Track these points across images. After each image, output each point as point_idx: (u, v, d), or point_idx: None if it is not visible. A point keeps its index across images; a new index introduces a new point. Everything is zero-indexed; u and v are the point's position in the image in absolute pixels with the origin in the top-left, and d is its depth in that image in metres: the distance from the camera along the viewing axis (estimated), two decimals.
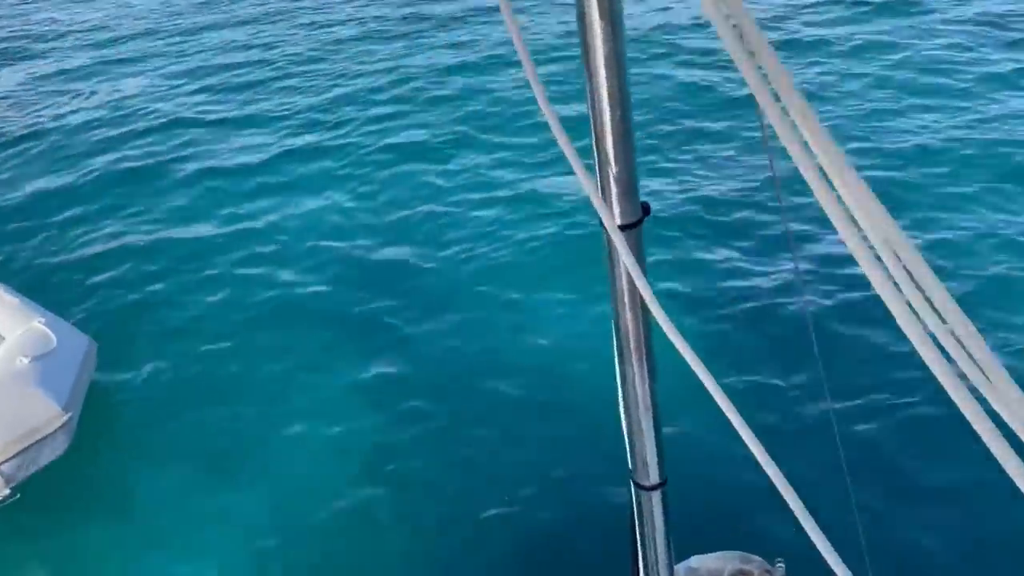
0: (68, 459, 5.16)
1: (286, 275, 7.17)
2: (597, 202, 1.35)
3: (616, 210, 1.38)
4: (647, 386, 1.60)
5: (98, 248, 7.75)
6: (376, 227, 7.74)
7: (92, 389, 5.65)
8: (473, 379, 5.87)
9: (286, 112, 10.11)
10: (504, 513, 4.91)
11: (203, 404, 5.82)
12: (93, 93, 11.16)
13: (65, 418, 5.09)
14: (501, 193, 8.02)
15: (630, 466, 1.71)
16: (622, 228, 1.39)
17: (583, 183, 1.32)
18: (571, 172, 1.29)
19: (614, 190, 1.37)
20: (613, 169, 1.35)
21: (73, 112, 10.59)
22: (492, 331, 6.29)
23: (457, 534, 4.81)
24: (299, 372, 6.06)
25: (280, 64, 11.52)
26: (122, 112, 10.49)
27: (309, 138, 9.42)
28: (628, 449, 1.69)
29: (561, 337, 6.17)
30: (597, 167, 1.37)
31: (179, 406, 5.81)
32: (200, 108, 10.40)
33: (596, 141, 1.35)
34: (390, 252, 7.38)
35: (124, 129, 10.03)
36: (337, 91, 10.50)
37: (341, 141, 9.30)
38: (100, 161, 9.32)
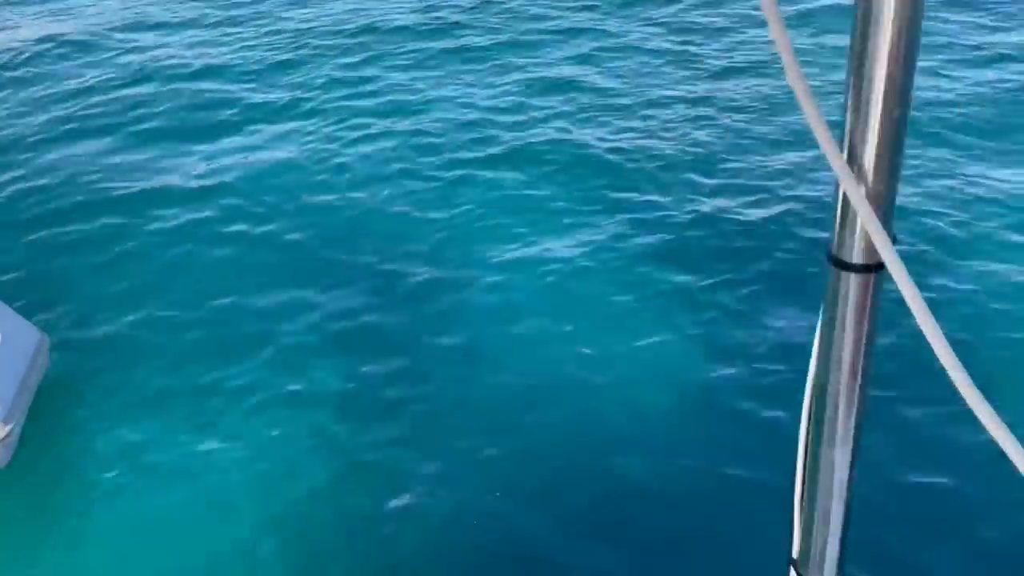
0: (8, 473, 4.65)
1: (253, 235, 6.93)
2: (872, 228, 1.00)
3: (862, 241, 1.05)
4: (848, 468, 1.25)
5: (46, 208, 7.36)
6: (346, 183, 7.52)
7: (42, 386, 5.09)
8: (446, 336, 5.74)
9: (252, 66, 9.81)
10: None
11: (167, 390, 5.42)
12: (39, 43, 10.75)
13: (5, 431, 4.51)
14: (478, 152, 7.85)
15: (794, 554, 1.38)
16: (876, 266, 1.06)
17: (856, 205, 1.00)
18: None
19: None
20: (871, 185, 1.02)
21: (14, 66, 10.15)
22: (469, 291, 6.16)
23: (438, 518, 4.63)
24: (273, 339, 5.78)
25: (243, 16, 11.20)
26: (72, 64, 10.09)
27: (274, 93, 9.15)
28: (798, 533, 1.36)
29: (536, 298, 6.07)
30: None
31: (139, 401, 5.34)
32: (159, 62, 10.05)
33: (851, 146, 1.02)
34: (362, 208, 7.18)
35: (75, 83, 9.64)
36: (302, 46, 10.21)
37: (308, 95, 9.05)
38: (49, 116, 8.92)
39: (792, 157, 7.64)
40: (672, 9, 10.98)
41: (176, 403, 5.33)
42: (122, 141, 8.41)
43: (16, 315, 5.20)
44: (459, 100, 8.85)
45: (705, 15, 10.78)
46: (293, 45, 10.40)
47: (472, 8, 11.21)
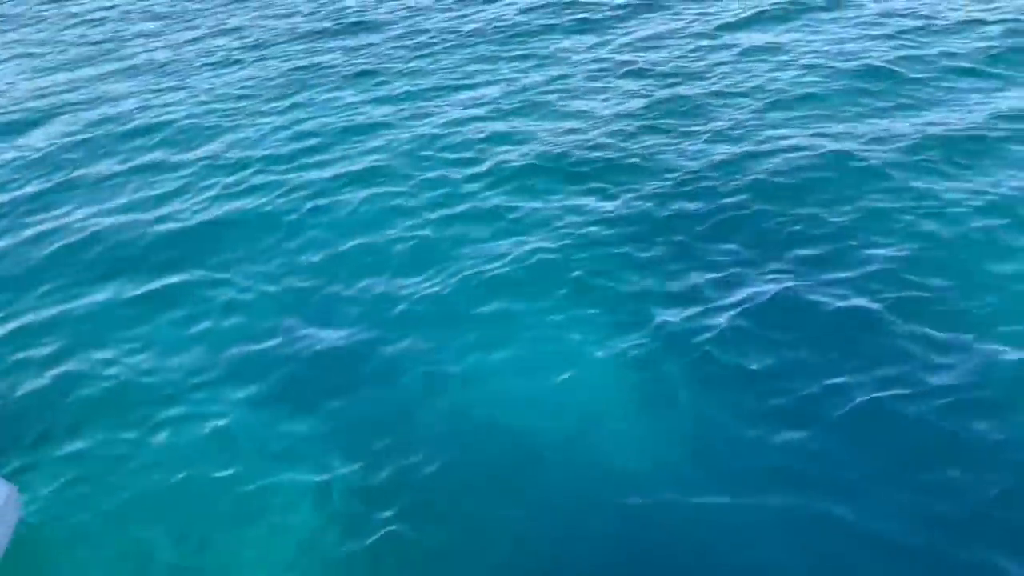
0: None
1: (216, 300, 6.77)
2: None
3: None
4: None
5: None
6: (307, 236, 7.44)
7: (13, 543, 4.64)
8: (438, 404, 5.57)
9: (186, 124, 9.74)
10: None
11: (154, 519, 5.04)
12: None
13: None
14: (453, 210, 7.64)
15: None
16: None
17: None
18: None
19: None
20: None
21: None
22: (454, 355, 5.95)
23: None
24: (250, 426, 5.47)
25: (169, 73, 11.19)
26: None
27: (213, 150, 9.12)
28: None
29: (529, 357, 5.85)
30: None
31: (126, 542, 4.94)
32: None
33: None
34: (329, 262, 7.07)
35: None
36: (244, 98, 10.25)
37: (251, 151, 9.02)
38: None
39: (735, 150, 7.93)
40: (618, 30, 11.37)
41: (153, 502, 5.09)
42: (64, 206, 8.24)
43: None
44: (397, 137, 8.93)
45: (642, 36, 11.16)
46: (234, 96, 10.43)
47: (393, 56, 11.41)
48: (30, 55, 13.36)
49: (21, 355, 6.50)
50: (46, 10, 15.04)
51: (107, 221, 8.19)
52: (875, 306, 5.82)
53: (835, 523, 4.45)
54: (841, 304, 5.88)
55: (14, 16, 14.99)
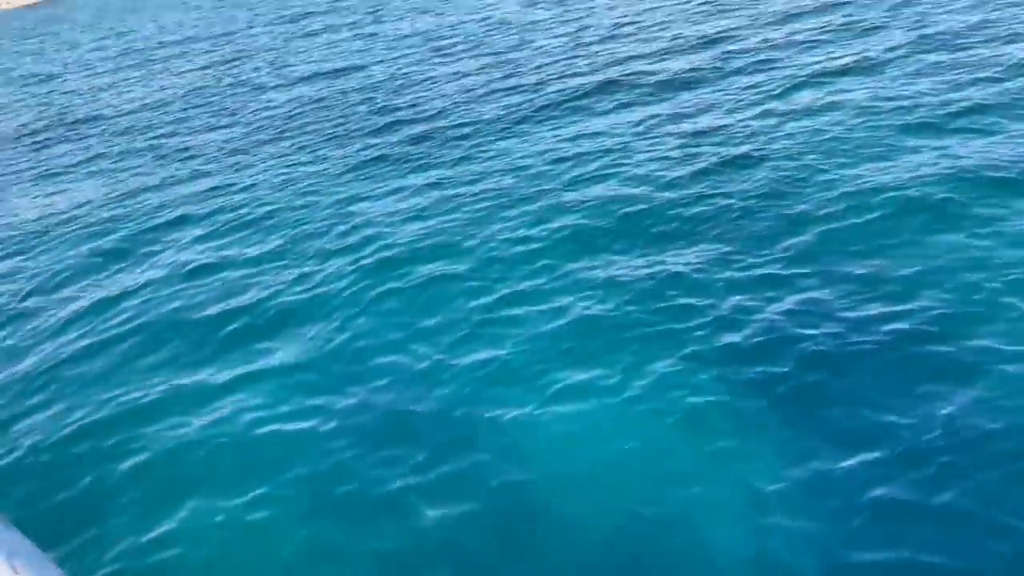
0: None
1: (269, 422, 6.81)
2: None
3: None
4: None
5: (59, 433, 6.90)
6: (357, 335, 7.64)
7: None
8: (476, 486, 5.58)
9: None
10: None
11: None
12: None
13: None
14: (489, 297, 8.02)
15: None
16: None
17: None
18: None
19: None
20: None
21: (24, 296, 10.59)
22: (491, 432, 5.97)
23: None
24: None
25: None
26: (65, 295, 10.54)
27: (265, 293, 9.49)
28: None
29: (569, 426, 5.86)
30: None
31: None
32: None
33: None
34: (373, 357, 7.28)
35: (67, 312, 10.01)
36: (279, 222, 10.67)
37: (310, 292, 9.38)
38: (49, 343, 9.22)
39: (794, 206, 7.95)
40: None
41: None
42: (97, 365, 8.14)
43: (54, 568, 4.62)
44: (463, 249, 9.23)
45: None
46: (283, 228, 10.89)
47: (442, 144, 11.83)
48: (110, 169, 14.20)
49: (97, 443, 6.68)
50: (120, 124, 16.06)
51: (181, 316, 8.49)
52: (950, 347, 5.69)
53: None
54: (916, 345, 5.76)
55: (94, 134, 16.04)
